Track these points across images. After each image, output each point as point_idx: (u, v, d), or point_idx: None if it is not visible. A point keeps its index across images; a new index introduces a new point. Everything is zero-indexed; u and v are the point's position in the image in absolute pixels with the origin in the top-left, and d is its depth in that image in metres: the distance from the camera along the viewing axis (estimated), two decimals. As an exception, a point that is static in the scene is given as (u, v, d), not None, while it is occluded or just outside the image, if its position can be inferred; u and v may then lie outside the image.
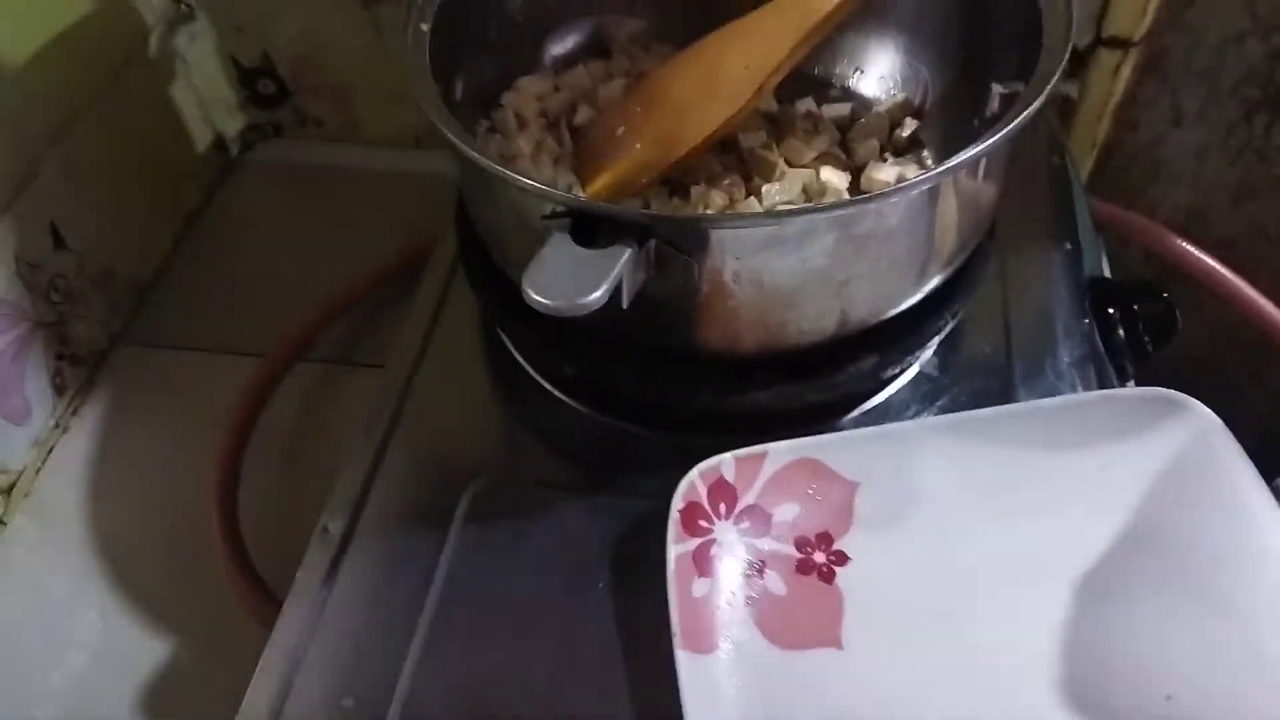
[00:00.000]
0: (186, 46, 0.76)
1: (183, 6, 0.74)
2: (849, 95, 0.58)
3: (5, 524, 0.62)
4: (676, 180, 0.52)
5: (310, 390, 0.68)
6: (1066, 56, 0.43)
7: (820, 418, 0.49)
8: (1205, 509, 0.44)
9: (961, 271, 0.47)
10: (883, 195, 0.38)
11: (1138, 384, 0.55)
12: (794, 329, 0.43)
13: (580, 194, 0.53)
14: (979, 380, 0.52)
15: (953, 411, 0.50)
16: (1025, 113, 0.39)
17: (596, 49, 0.60)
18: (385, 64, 0.76)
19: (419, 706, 0.41)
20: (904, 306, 0.45)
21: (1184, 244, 0.69)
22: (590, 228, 0.37)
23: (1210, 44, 0.65)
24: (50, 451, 0.65)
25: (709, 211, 0.51)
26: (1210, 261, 0.68)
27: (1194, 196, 0.75)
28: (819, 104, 0.57)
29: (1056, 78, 0.42)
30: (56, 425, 0.66)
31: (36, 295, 0.63)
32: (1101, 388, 0.52)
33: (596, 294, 0.35)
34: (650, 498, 0.45)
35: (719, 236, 0.38)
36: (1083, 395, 0.49)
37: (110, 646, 0.58)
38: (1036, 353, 0.52)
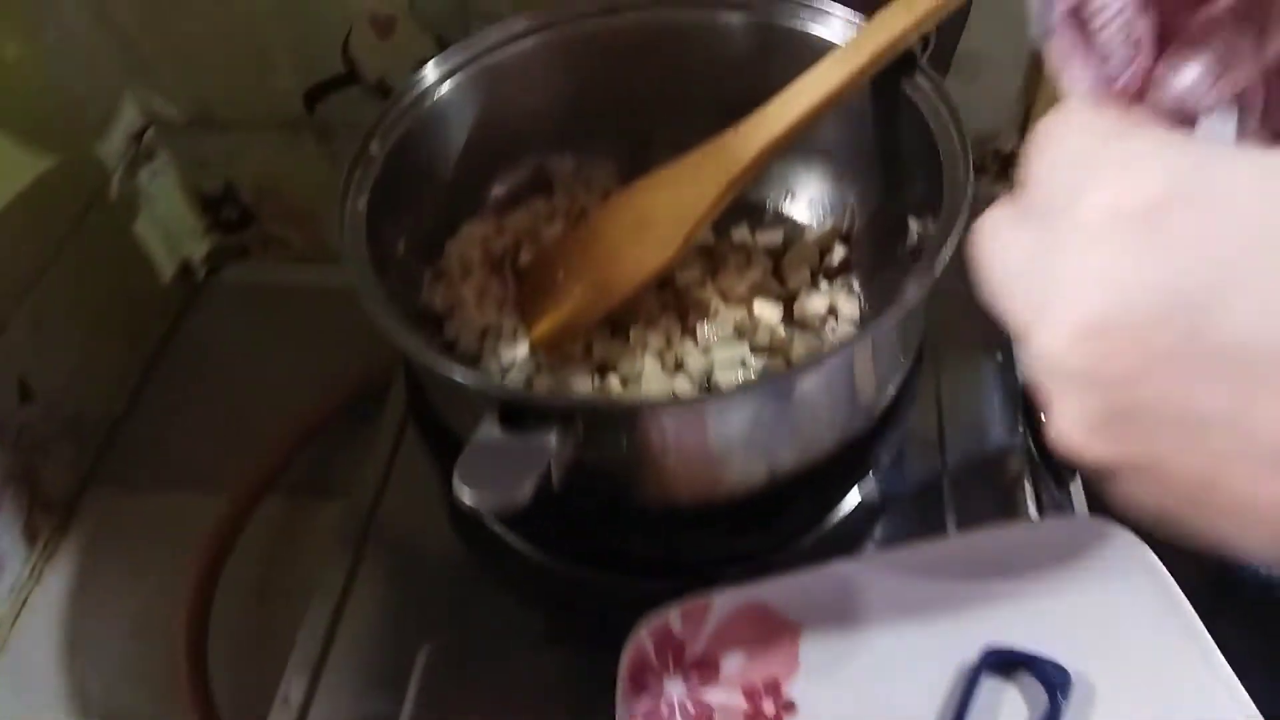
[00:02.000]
0: (149, 183, 0.78)
1: (143, 146, 0.76)
2: (781, 219, 0.60)
3: (-19, 677, 0.63)
4: (617, 318, 0.54)
5: (278, 525, 0.69)
6: (969, 194, 0.44)
7: (764, 551, 0.50)
8: (1137, 636, 0.45)
9: (891, 408, 0.49)
10: (796, 372, 0.39)
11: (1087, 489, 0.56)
12: (727, 484, 0.44)
13: (525, 339, 0.55)
14: (917, 502, 0.53)
15: (893, 536, 0.52)
16: (933, 268, 0.40)
17: (539, 185, 0.62)
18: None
19: None
20: (836, 449, 0.46)
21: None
22: (517, 411, 0.39)
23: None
24: (25, 602, 0.66)
25: (646, 354, 0.52)
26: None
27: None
28: (753, 230, 0.59)
29: (963, 218, 0.43)
30: (31, 574, 0.67)
31: (4, 449, 0.64)
32: (1039, 505, 0.53)
33: (524, 490, 0.36)
34: (603, 641, 0.46)
35: (641, 415, 0.40)
36: (1013, 527, 0.50)
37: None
38: (972, 470, 0.54)
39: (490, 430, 0.38)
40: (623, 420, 0.39)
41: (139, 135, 0.76)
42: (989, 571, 0.48)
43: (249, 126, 0.76)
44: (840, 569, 0.49)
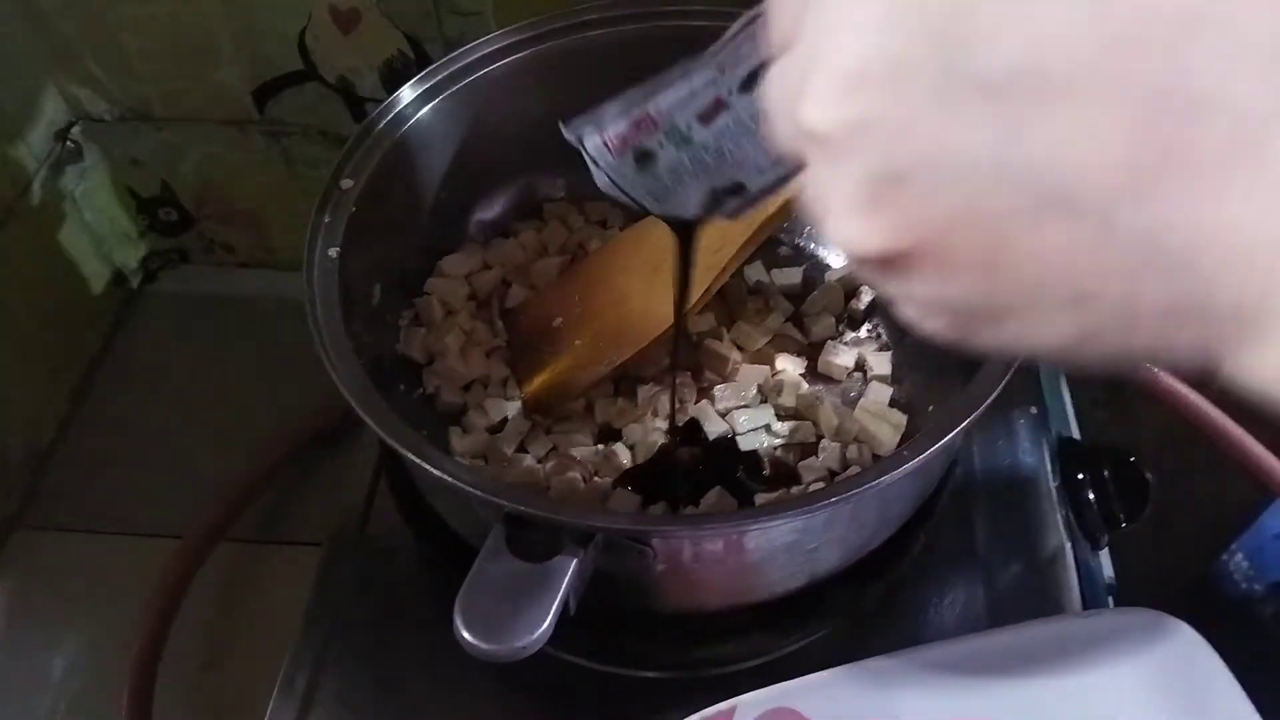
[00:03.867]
0: (75, 186, 0.69)
1: (68, 144, 0.68)
2: (799, 254, 0.54)
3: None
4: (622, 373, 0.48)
5: (230, 575, 0.62)
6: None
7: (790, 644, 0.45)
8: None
9: (935, 492, 0.44)
10: (846, 496, 0.33)
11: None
12: (763, 590, 0.39)
13: (518, 395, 0.48)
14: (952, 576, 0.48)
15: (926, 617, 0.47)
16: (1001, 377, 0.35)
17: (527, 211, 0.55)
18: (299, 192, 0.71)
19: None
20: (878, 545, 0.41)
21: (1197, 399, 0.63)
22: (528, 526, 0.33)
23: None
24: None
25: (658, 420, 0.46)
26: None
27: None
28: (768, 267, 0.53)
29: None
30: (-52, 632, 0.60)
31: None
32: (1078, 573, 0.49)
33: (537, 634, 0.31)
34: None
35: (675, 535, 0.34)
36: (1059, 620, 0.46)
37: None
38: (1008, 537, 0.50)
39: (497, 555, 0.32)
40: (654, 539, 0.33)
41: (64, 133, 0.67)
42: (1034, 668, 0.43)
43: (189, 123, 0.67)
44: (876, 666, 0.44)
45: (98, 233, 0.72)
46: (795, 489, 0.43)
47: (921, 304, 0.20)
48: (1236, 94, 0.15)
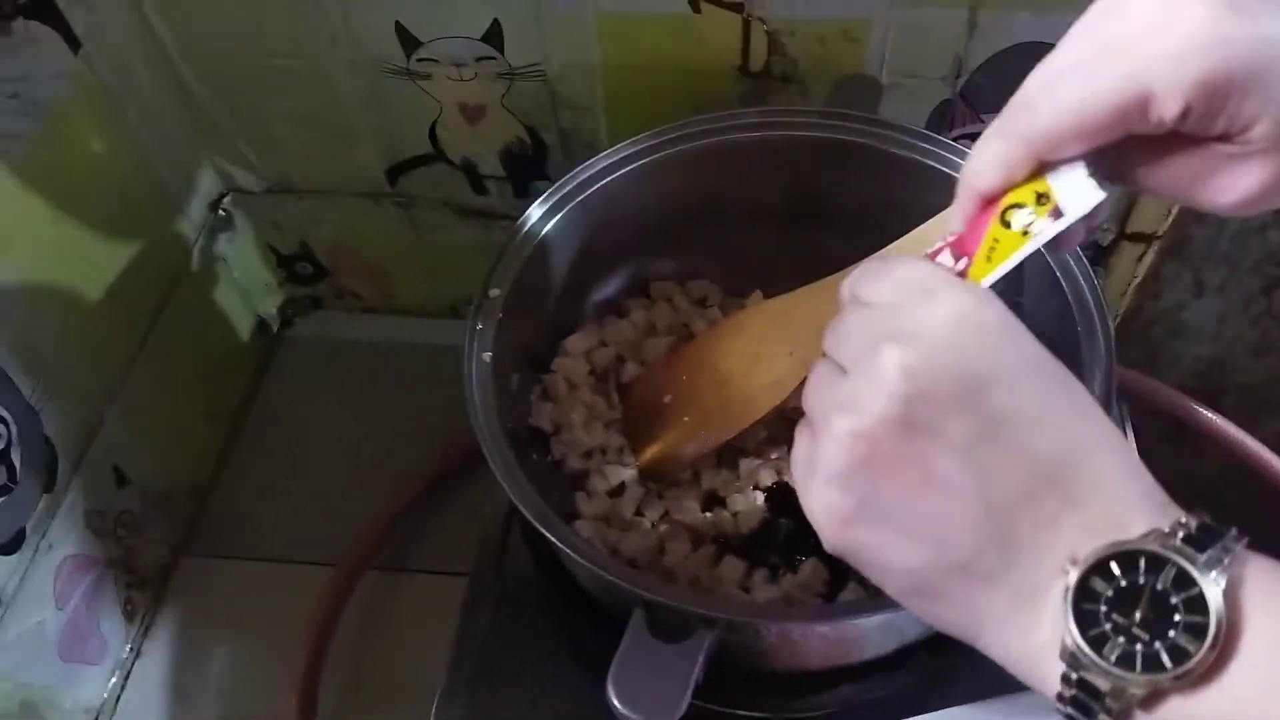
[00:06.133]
0: (227, 249, 0.77)
1: (220, 213, 0.76)
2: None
3: (92, 759, 0.65)
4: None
5: (374, 601, 0.70)
6: (1110, 369, 0.45)
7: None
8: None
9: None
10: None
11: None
12: (856, 655, 0.45)
13: (633, 463, 0.55)
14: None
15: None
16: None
17: (637, 287, 0.62)
18: (423, 252, 0.78)
19: None
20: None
21: (1196, 406, 0.70)
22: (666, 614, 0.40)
23: (1231, 233, 0.67)
24: (128, 677, 0.68)
25: (757, 492, 0.53)
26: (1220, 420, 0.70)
27: (1215, 350, 0.77)
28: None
29: (1099, 392, 0.44)
30: (131, 650, 0.69)
31: (104, 538, 0.65)
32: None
33: (680, 707, 0.37)
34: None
35: (792, 625, 0.40)
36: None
37: None
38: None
39: (639, 635, 0.39)
40: (775, 627, 0.40)
41: (216, 203, 0.76)
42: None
43: (328, 194, 0.75)
44: (954, 716, 0.50)
45: (244, 287, 0.81)
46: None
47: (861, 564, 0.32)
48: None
